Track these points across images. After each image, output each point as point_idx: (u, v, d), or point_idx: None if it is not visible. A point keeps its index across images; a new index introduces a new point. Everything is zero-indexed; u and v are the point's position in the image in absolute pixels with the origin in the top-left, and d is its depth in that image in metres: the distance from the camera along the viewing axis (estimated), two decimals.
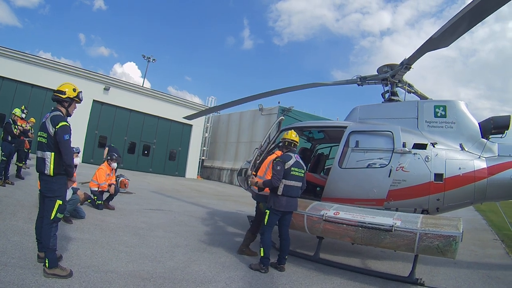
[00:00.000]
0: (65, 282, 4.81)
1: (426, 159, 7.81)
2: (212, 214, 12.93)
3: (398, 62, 9.15)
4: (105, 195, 10.83)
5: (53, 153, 5.03)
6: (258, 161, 8.85)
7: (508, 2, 6.28)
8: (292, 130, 7.76)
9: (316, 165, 11.21)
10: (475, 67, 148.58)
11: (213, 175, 37.26)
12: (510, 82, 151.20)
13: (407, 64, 8.84)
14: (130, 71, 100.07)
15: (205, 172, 37.79)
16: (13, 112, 12.27)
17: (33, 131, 12.08)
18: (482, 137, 8.12)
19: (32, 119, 14.76)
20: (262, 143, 9.38)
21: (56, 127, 4.99)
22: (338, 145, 8.95)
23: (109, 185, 10.88)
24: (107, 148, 15.53)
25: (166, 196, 16.30)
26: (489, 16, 6.84)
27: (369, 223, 6.58)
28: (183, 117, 16.15)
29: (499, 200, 9.37)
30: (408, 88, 9.97)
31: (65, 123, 5.11)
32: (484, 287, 7.01)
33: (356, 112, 9.58)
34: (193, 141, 35.03)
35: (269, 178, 6.92)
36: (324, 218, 7.07)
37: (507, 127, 8.19)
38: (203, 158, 37.01)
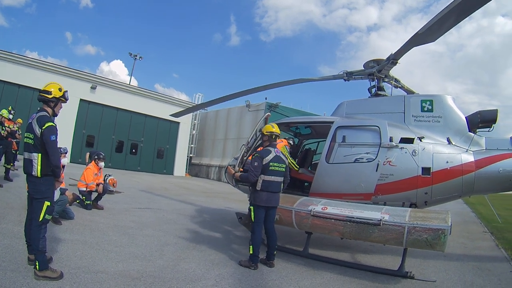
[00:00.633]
0: (56, 284, 4.82)
1: (413, 153, 7.87)
2: (200, 211, 12.94)
3: (385, 57, 9.17)
4: (94, 195, 10.78)
5: (40, 154, 5.01)
6: (245, 158, 8.89)
7: None
8: (272, 123, 7.79)
9: (303, 160, 11.20)
10: (463, 62, 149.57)
11: (201, 172, 37.20)
12: (497, 77, 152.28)
13: (393, 59, 8.87)
14: (117, 69, 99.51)
15: (193, 169, 37.72)
16: (0, 113, 12.17)
17: (20, 132, 12.02)
18: (469, 131, 8.20)
19: (19, 120, 14.66)
20: (249, 139, 9.39)
21: (43, 128, 4.97)
22: (325, 141, 9.01)
23: (97, 185, 10.83)
24: (88, 153, 15.49)
25: (154, 195, 16.27)
26: (476, 11, 6.88)
27: (357, 218, 6.61)
28: (170, 115, 16.12)
29: (487, 193, 9.51)
30: (395, 83, 10.02)
31: (51, 123, 5.08)
32: (474, 279, 7.04)
33: (342, 107, 9.63)
34: (181, 139, 35.04)
35: None
36: (312, 213, 7.08)
37: (494, 121, 8.28)
38: (191, 155, 36.92)
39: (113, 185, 14.18)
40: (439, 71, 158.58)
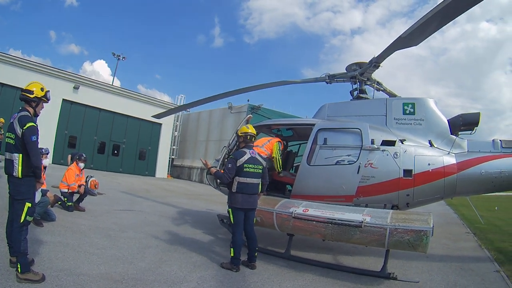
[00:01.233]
0: (38, 286, 4.81)
1: (395, 156, 7.93)
2: (182, 213, 12.95)
3: (368, 61, 9.25)
4: (76, 197, 10.73)
5: (21, 155, 4.96)
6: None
7: (479, 3, 6.44)
8: (248, 124, 7.81)
9: (285, 162, 11.20)
10: (446, 65, 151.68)
11: (183, 174, 37.05)
12: (481, 81, 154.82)
13: (375, 63, 8.94)
14: (100, 69, 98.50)
15: (175, 171, 37.56)
16: None
17: (2, 131, 11.95)
18: (451, 134, 8.29)
19: (1, 119, 14.58)
20: (230, 141, 9.42)
21: (24, 128, 4.92)
22: (307, 143, 9.07)
23: (79, 186, 10.79)
24: (70, 155, 15.42)
25: (136, 197, 16.20)
26: (460, 16, 6.99)
27: (338, 220, 6.66)
28: (152, 116, 16.08)
29: (469, 194, 9.65)
30: (377, 86, 10.07)
31: (33, 123, 5.03)
32: (457, 279, 7.14)
33: (324, 109, 9.66)
34: (163, 140, 34.81)
35: None
36: (293, 215, 7.11)
37: (476, 124, 8.39)
38: (172, 157, 36.74)
39: (95, 186, 14.06)
40: (422, 74, 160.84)
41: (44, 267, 5.45)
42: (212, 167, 7.54)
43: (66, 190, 10.44)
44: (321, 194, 8.39)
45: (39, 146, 5.32)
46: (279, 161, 9.51)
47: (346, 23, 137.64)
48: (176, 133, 36.65)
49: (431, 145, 8.17)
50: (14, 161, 4.97)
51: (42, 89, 5.29)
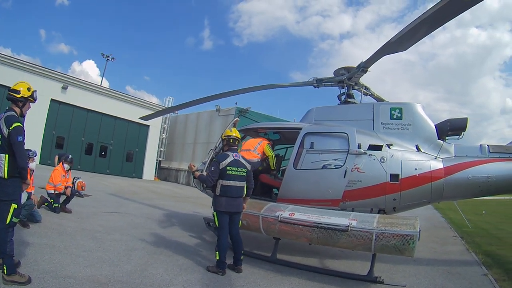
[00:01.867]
0: None
1: (382, 160, 7.96)
2: (169, 216, 12.92)
3: (356, 65, 9.27)
4: (62, 198, 10.66)
5: (7, 155, 4.90)
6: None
7: (469, 9, 6.48)
8: (233, 128, 7.82)
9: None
10: (435, 70, 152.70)
11: (171, 177, 37.06)
12: (469, 86, 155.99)
13: (363, 67, 8.97)
14: (89, 69, 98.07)
15: (162, 173, 37.54)
16: None
17: None
18: (438, 139, 8.34)
19: None
20: (217, 144, 9.40)
21: (10, 128, 4.87)
22: (293, 146, 9.09)
23: (66, 188, 10.73)
24: (57, 156, 15.28)
25: (123, 199, 16.16)
26: (450, 22, 7.07)
27: (325, 224, 6.65)
28: (140, 118, 16.01)
29: (456, 199, 9.75)
30: (365, 91, 10.10)
31: (19, 124, 4.98)
32: (445, 283, 7.17)
33: (311, 113, 9.70)
34: (150, 142, 34.80)
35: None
36: (279, 219, 7.11)
37: (464, 129, 8.46)
38: (160, 159, 36.72)
39: (82, 188, 14.04)
40: (411, 79, 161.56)
41: (30, 269, 5.41)
42: (196, 170, 7.51)
43: (53, 191, 10.40)
44: (307, 198, 8.40)
45: (27, 148, 5.29)
46: (274, 158, 9.56)
47: (335, 28, 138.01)
48: (163, 135, 36.74)
49: (418, 149, 8.21)
50: (0, 161, 4.90)
51: (29, 89, 5.24)
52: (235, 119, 9.86)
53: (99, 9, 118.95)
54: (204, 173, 7.72)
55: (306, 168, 8.55)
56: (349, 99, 9.91)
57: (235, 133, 7.31)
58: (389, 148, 8.14)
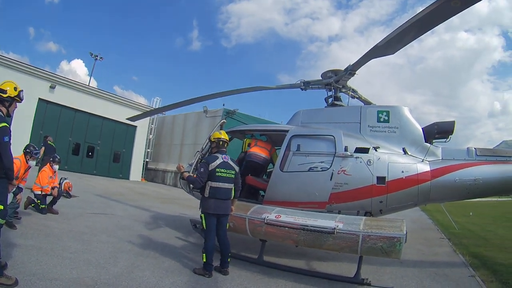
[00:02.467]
0: None
1: (368, 163, 7.99)
2: (155, 217, 12.89)
3: (343, 68, 9.32)
4: (49, 199, 10.62)
5: None
6: (199, 164, 8.95)
7: (457, 14, 6.51)
8: (221, 130, 7.83)
9: (258, 169, 11.14)
10: (423, 74, 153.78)
11: (157, 178, 36.93)
12: (457, 89, 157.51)
13: (351, 70, 9.02)
14: (77, 68, 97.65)
15: (149, 174, 37.35)
16: None
17: None
18: (425, 142, 8.39)
19: None
20: (203, 146, 9.40)
21: None
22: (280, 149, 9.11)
23: (52, 188, 10.67)
24: (43, 148, 15.07)
25: (110, 200, 16.08)
26: (439, 26, 7.10)
27: (311, 226, 6.69)
28: (127, 118, 15.96)
29: (444, 201, 9.80)
30: (352, 94, 10.14)
31: (4, 124, 4.94)
32: (432, 285, 7.24)
33: (298, 116, 9.72)
34: (138, 143, 34.64)
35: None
36: (266, 221, 7.14)
37: (451, 132, 8.51)
38: (147, 160, 36.54)
39: (69, 188, 14.00)
40: (399, 82, 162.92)
41: (17, 271, 5.40)
42: (185, 171, 7.51)
43: (40, 192, 10.32)
44: (294, 200, 8.41)
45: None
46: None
47: (324, 30, 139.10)
48: (151, 136, 36.46)
49: (405, 152, 8.25)
50: None
51: (15, 89, 5.21)
52: (222, 120, 9.90)
53: (89, 7, 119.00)
54: (191, 174, 7.70)
55: (293, 170, 8.56)
56: (336, 102, 9.95)
57: (223, 135, 7.32)
58: (376, 150, 8.17)
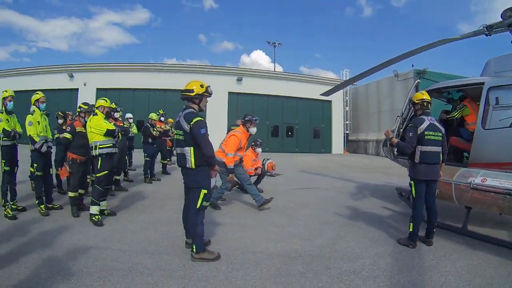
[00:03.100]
0: (213, 264, 5.13)
1: None
2: (360, 188, 12.87)
3: None
4: (253, 179, 11.13)
5: (192, 148, 5.25)
6: (401, 129, 8.45)
7: None
8: (422, 91, 7.25)
9: (459, 128, 9.95)
10: None
11: (359, 148, 36.87)
12: None
13: None
14: (259, 59, 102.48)
15: (351, 146, 37.49)
16: (149, 117, 13.52)
17: (173, 130, 13.05)
18: None
19: (170, 120, 15.96)
20: (403, 110, 8.97)
21: (191, 123, 5.19)
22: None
23: (256, 169, 11.26)
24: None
25: (313, 174, 16.50)
26: None
27: None
28: (320, 94, 15.99)
29: None
30: None
31: (199, 118, 5.28)
32: None
33: (490, 65, 8.59)
34: (335, 116, 34.97)
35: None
36: (471, 186, 6.55)
37: None
38: (347, 132, 36.71)
39: (272, 168, 14.56)
40: None
41: (221, 247, 5.81)
42: (392, 137, 7.10)
43: None
44: (497, 161, 7.44)
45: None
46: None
47: None
48: (347, 108, 36.47)
49: None
50: (186, 154, 5.30)
51: (201, 86, 5.51)
52: (417, 81, 9.37)
53: (245, 2, 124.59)
54: (394, 140, 7.27)
55: (494, 127, 7.59)
56: None
57: (426, 95, 6.77)
58: None
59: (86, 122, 7.83)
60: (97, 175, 7.42)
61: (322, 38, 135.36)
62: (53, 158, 8.73)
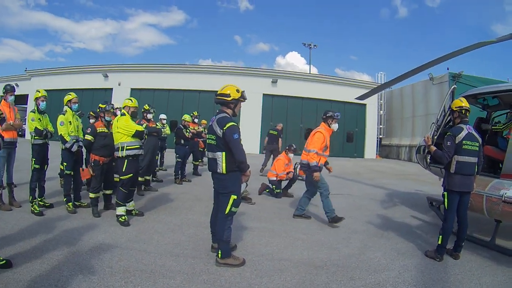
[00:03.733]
0: (237, 270, 5.16)
1: None
2: (391, 195, 12.76)
3: None
4: (284, 184, 11.31)
5: (224, 153, 5.26)
6: (435, 137, 8.35)
7: None
8: (460, 97, 7.04)
9: (494, 136, 9.54)
10: None
11: (392, 153, 36.48)
12: None
13: None
14: (294, 60, 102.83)
15: (383, 150, 37.11)
16: (182, 118, 13.63)
17: (206, 131, 13.16)
18: None
19: (204, 121, 16.20)
20: (438, 117, 8.78)
21: (224, 128, 5.19)
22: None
23: (287, 173, 11.37)
24: (266, 138, 16.43)
25: (346, 179, 16.42)
26: None
27: None
28: (355, 98, 15.87)
29: None
30: None
31: (232, 123, 5.28)
32: None
33: None
34: (369, 121, 34.66)
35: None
36: (503, 198, 6.37)
37: None
38: (380, 136, 36.33)
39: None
40: None
41: (247, 252, 5.87)
42: (431, 144, 6.84)
43: (275, 178, 11.13)
44: None
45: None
46: None
47: None
48: (381, 112, 36.16)
49: None
50: (218, 159, 5.31)
51: (237, 91, 5.49)
52: (453, 86, 9.14)
53: (281, 4, 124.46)
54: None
55: None
56: None
57: (465, 103, 6.59)
58: None
59: (107, 121, 7.97)
60: (122, 177, 7.49)
61: (357, 39, 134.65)
62: (84, 156, 8.97)
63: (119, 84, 31.10)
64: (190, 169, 14.94)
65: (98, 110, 8.36)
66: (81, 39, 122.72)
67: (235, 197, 5.38)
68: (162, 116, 14.50)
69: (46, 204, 7.95)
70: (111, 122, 7.86)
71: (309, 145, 8.40)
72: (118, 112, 8.27)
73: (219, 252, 5.31)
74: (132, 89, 30.63)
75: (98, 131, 7.83)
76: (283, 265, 5.47)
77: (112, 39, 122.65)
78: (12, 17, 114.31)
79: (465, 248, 6.51)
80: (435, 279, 5.38)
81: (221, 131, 5.22)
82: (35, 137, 7.77)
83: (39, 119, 7.77)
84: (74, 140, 8.01)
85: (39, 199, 7.79)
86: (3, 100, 7.73)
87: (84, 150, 8.44)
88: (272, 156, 15.92)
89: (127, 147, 7.40)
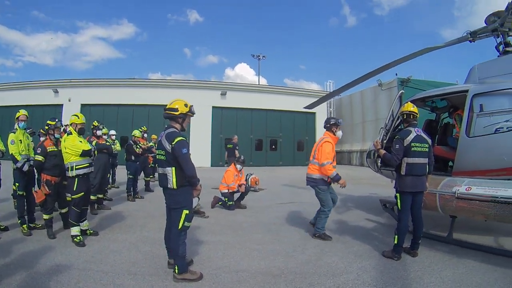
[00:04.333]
0: (196, 284, 5.01)
1: None
2: (345, 200, 12.74)
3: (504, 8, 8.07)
4: (237, 196, 11.12)
5: (173, 168, 5.16)
6: (384, 141, 8.46)
7: None
8: (408, 102, 7.16)
9: (444, 136, 10.16)
10: None
11: (344, 159, 37.08)
12: None
13: None
14: (243, 72, 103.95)
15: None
16: (132, 134, 13.47)
17: (156, 146, 12.99)
18: None
19: (154, 136, 16.01)
20: (387, 121, 8.94)
21: (172, 143, 5.09)
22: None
23: (239, 186, 11.21)
24: (226, 153, 16.43)
25: (297, 188, 16.35)
26: None
27: (501, 197, 5.88)
28: (304, 107, 16.04)
29: None
30: None
31: (181, 138, 5.19)
32: None
33: (474, 72, 8.53)
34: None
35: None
36: (456, 195, 6.50)
37: None
38: None
39: (256, 183, 14.53)
40: None
41: (203, 266, 5.72)
42: (380, 148, 7.08)
43: (226, 191, 10.95)
44: (481, 168, 7.43)
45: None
46: None
47: None
48: None
49: None
50: (168, 174, 5.19)
51: (186, 105, 5.42)
52: (400, 91, 9.33)
53: (231, 16, 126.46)
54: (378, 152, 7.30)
55: (478, 134, 7.55)
56: (507, 48, 8.60)
57: (413, 108, 6.75)
58: None
59: (56, 139, 7.69)
60: (74, 196, 7.23)
61: (306, 49, 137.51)
62: (36, 176, 8.57)
63: (69, 100, 30.37)
64: (142, 186, 14.61)
65: (46, 127, 8.01)
66: (32, 53, 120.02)
67: (187, 211, 5.26)
68: (112, 132, 14.22)
69: (1, 227, 7.63)
70: (60, 140, 7.57)
71: (321, 158, 8.20)
72: (68, 129, 7.97)
73: (176, 268, 5.15)
74: (82, 105, 29.77)
75: (48, 150, 7.51)
76: (241, 276, 5.36)
77: (62, 53, 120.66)
78: None
79: (423, 245, 6.59)
80: (394, 277, 5.38)
81: (170, 146, 5.12)
82: None
83: None
84: (25, 160, 7.73)
85: None
86: None
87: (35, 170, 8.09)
88: None
89: (76, 167, 7.16)
